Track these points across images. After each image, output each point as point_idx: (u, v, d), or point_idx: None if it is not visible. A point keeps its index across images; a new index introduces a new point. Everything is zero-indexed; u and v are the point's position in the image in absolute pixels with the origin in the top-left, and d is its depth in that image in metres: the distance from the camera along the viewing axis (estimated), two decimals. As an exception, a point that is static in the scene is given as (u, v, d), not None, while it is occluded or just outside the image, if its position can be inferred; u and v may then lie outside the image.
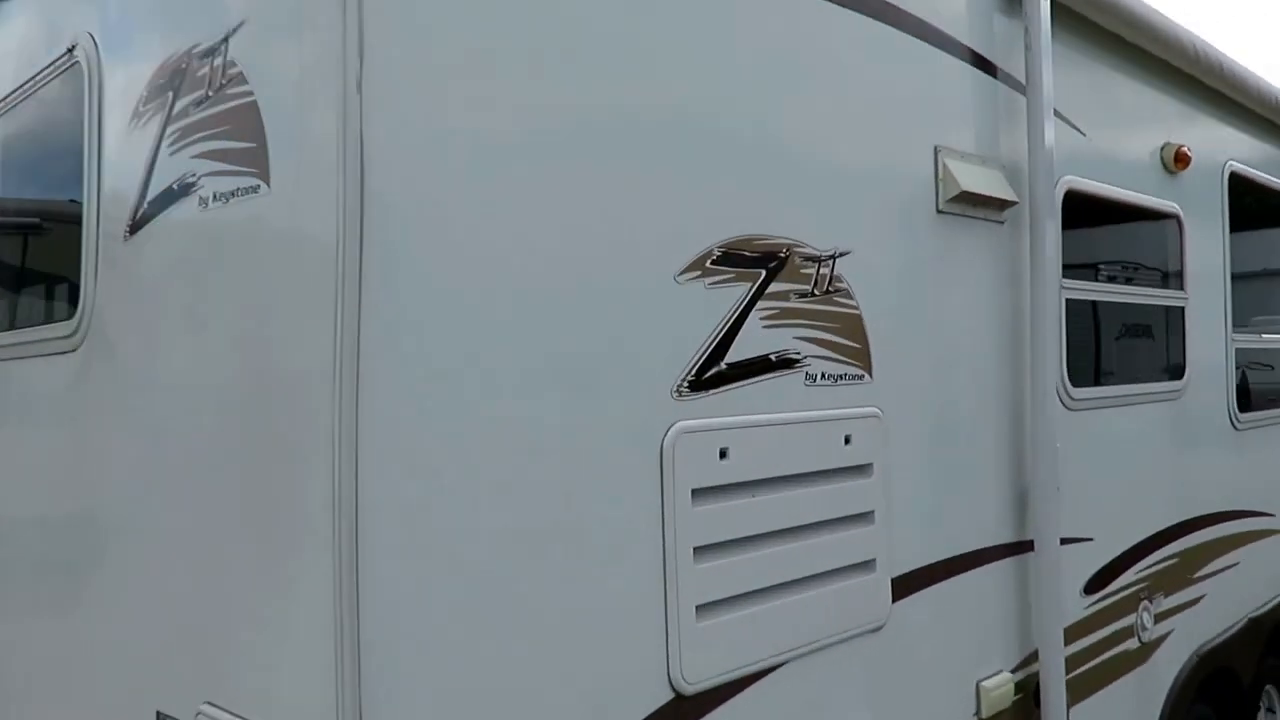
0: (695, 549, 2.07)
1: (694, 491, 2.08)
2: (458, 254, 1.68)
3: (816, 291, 2.39)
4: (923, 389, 2.73)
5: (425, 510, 1.62)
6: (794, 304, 2.32)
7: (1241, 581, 4.51)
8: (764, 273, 2.25)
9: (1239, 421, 4.45)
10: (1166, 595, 3.92)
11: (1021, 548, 3.07)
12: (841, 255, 2.45)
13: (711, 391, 2.13)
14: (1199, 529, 4.16)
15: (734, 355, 2.18)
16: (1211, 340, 4.27)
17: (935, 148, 2.76)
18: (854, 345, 2.49)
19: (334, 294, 1.54)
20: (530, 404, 1.78)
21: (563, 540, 1.84)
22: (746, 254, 2.21)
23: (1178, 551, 3.99)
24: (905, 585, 2.61)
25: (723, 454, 2.14)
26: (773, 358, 2.28)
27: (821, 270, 2.40)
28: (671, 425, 2.04)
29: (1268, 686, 5.06)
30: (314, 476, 1.59)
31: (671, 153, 2.07)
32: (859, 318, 2.50)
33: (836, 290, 2.44)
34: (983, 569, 2.90)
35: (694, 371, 2.09)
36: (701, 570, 2.08)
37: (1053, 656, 3.05)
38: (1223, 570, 4.33)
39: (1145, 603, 3.76)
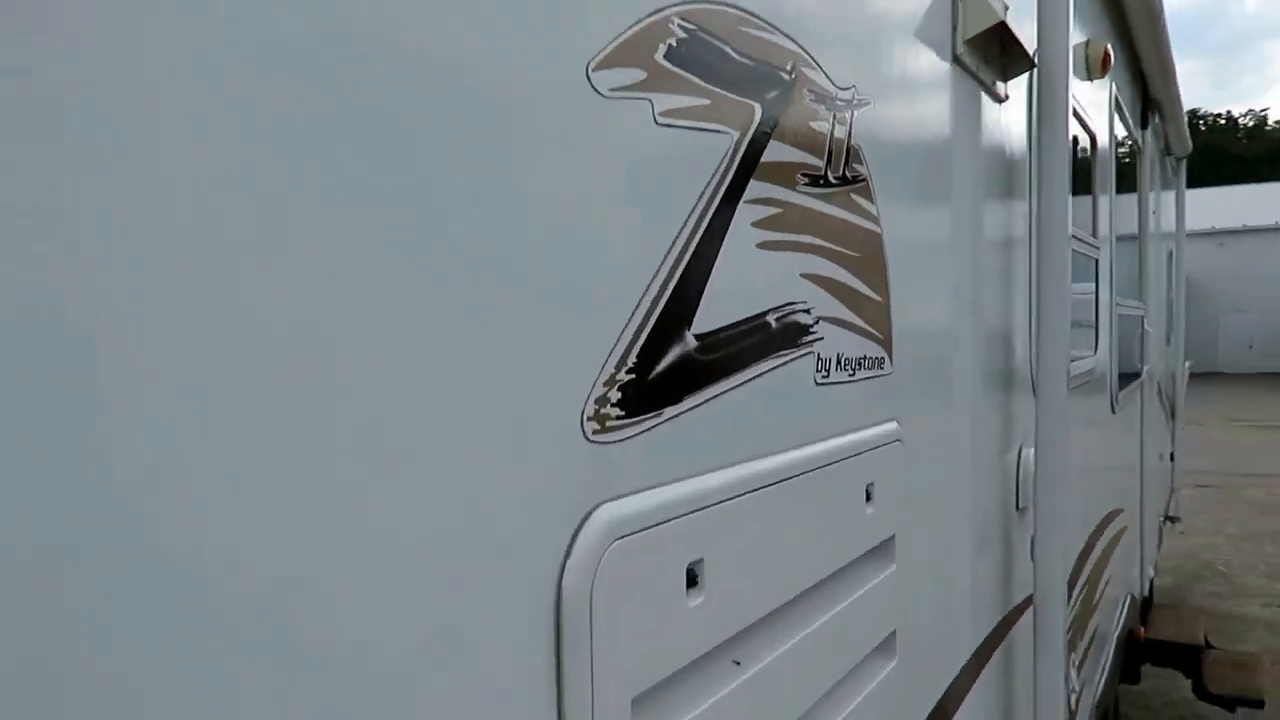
0: None
1: (637, 703, 0.74)
2: None
3: (832, 175, 1.11)
4: (936, 378, 1.54)
5: None
6: (801, 199, 1.04)
7: (1113, 601, 3.84)
8: (757, 111, 0.94)
9: (1117, 403, 3.73)
10: (1080, 638, 3.08)
11: (1008, 622, 2.00)
12: (860, 105, 1.19)
13: (667, 411, 0.80)
14: (1096, 544, 3.38)
15: (709, 312, 0.85)
16: (1107, 303, 3.49)
17: (952, -58, 1.56)
18: (875, 299, 1.25)
19: None
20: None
21: None
22: (732, 54, 0.89)
23: (1087, 578, 3.17)
24: (918, 751, 1.43)
25: (692, 579, 0.81)
26: (773, 321, 0.98)
27: (838, 131, 1.13)
28: (588, 514, 0.70)
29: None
30: None
31: None
32: (879, 241, 1.26)
33: (854, 180, 1.18)
34: (981, 679, 1.79)
35: (633, 359, 0.75)
36: None
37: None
38: (1105, 590, 3.60)
39: (1073, 655, 2.87)
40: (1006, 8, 1.88)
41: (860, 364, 1.20)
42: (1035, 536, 1.96)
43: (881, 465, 1.24)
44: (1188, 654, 4.96)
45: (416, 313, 0.56)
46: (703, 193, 0.85)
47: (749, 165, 0.92)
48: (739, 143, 0.90)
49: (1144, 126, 4.69)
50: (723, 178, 0.88)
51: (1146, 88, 4.72)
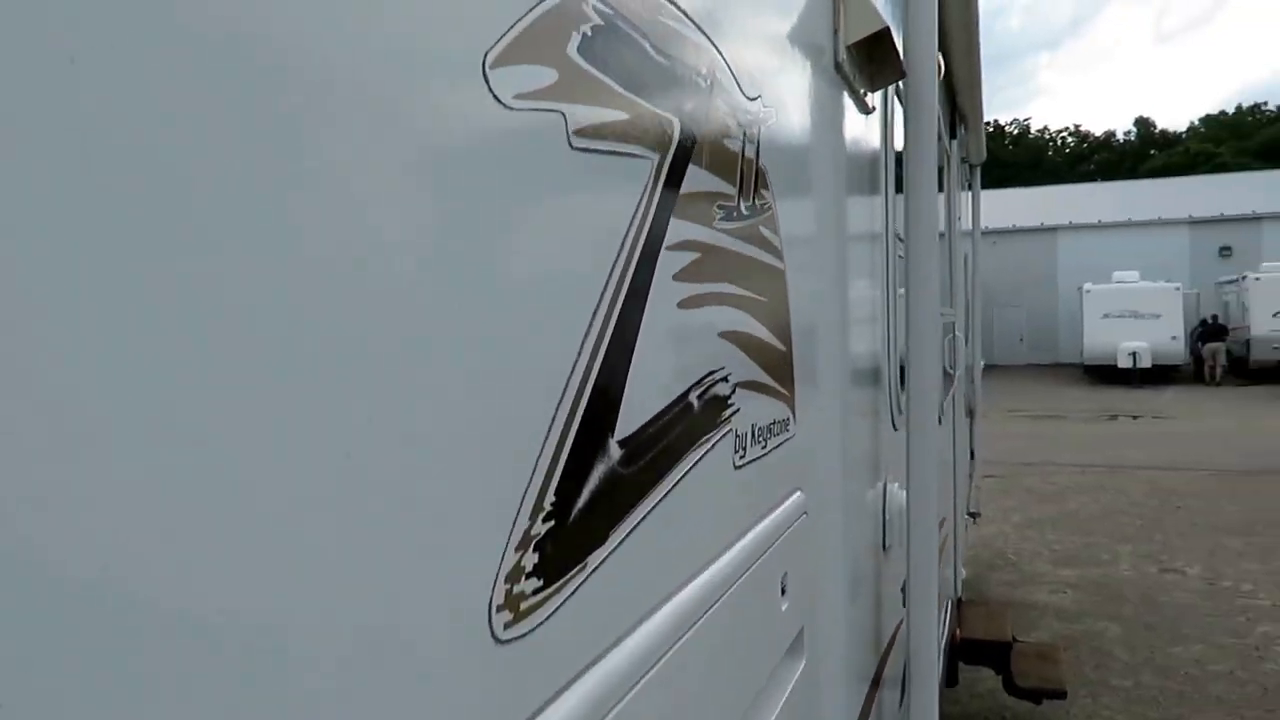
0: None
1: None
2: None
3: (744, 205, 0.91)
4: (827, 429, 1.37)
5: None
6: (718, 238, 0.83)
7: (940, 609, 3.85)
8: (676, 127, 0.72)
9: (943, 412, 3.75)
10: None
11: (879, 669, 1.88)
12: (765, 120, 1.00)
13: (592, 559, 0.56)
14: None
15: (633, 406, 0.63)
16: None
17: (832, -66, 1.40)
18: (780, 349, 1.06)
19: None
20: None
21: None
22: (651, 51, 0.66)
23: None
24: None
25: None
26: (695, 401, 0.76)
27: (747, 151, 0.93)
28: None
29: None
30: None
31: None
32: (783, 279, 1.07)
33: (763, 209, 0.98)
34: (862, 743, 1.64)
35: (550, 499, 0.51)
36: None
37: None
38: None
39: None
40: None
41: (771, 431, 1.00)
42: (909, 580, 1.85)
43: (793, 549, 1.05)
44: (997, 650, 5.14)
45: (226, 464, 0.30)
46: (624, 241, 0.62)
47: (669, 200, 0.70)
48: (659, 170, 0.68)
49: (953, 136, 4.79)
50: (644, 218, 0.65)
51: (954, 98, 4.83)
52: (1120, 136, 73.15)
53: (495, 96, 0.46)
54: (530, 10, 0.50)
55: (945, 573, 4.44)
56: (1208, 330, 24.76)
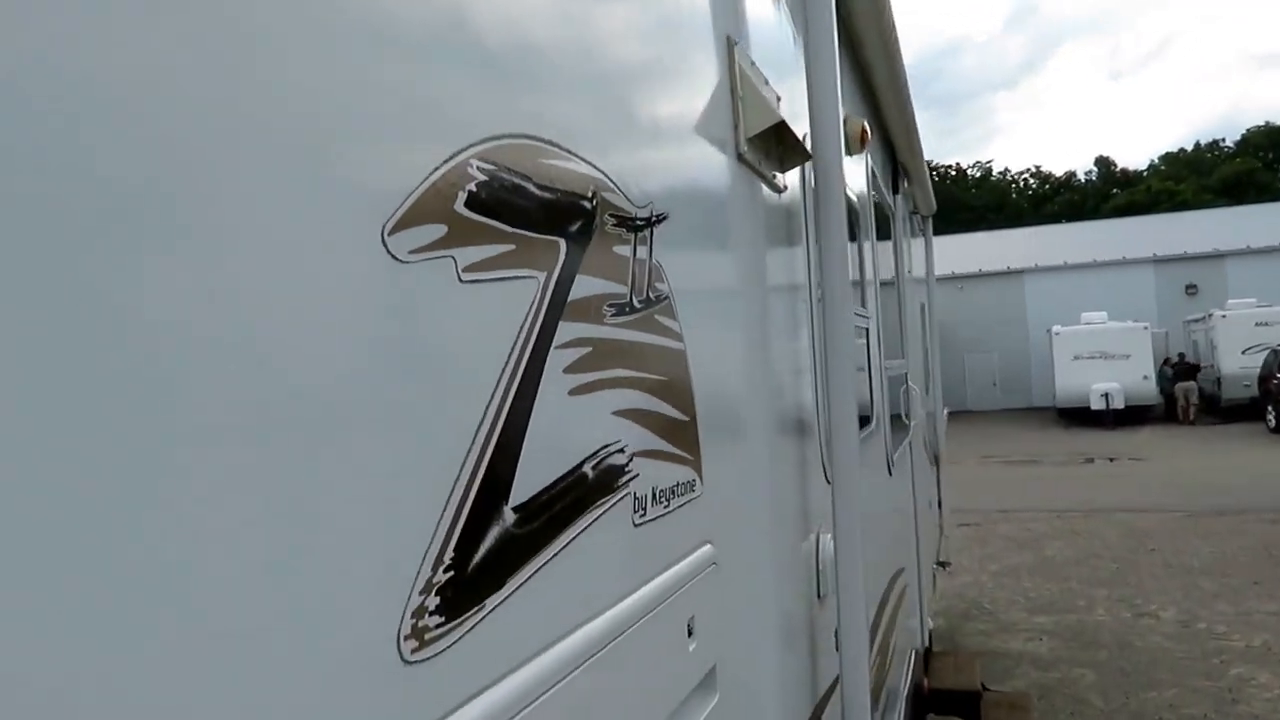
0: None
1: None
2: None
3: (636, 300, 1.09)
4: (741, 487, 1.54)
5: None
6: (608, 331, 1.01)
7: (901, 660, 4.00)
8: (563, 247, 0.91)
9: (893, 464, 3.95)
10: (875, 709, 3.18)
11: (816, 715, 2.03)
12: (658, 221, 1.18)
13: (490, 601, 0.73)
14: (884, 610, 3.52)
15: (526, 478, 0.80)
16: (878, 368, 3.68)
17: (728, 40, 1.61)
18: (682, 418, 1.23)
19: None
20: None
21: None
22: (534, 190, 0.85)
23: (879, 646, 3.29)
24: None
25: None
26: (589, 471, 0.93)
27: (639, 253, 1.11)
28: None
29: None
30: None
31: None
32: (684, 358, 1.25)
33: (657, 299, 1.16)
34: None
35: (450, 554, 0.68)
36: None
37: None
38: (894, 654, 3.75)
39: (870, 728, 2.96)
40: (779, 99, 1.96)
41: (674, 492, 1.17)
42: (840, 627, 2.01)
43: (700, 595, 1.21)
44: (967, 700, 5.29)
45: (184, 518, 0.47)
46: (513, 348, 0.80)
47: (558, 307, 0.88)
48: (546, 284, 0.86)
49: (895, 191, 5.05)
50: (532, 326, 0.83)
51: (895, 155, 5.10)
52: (1081, 176, 75.12)
53: (391, 255, 0.64)
54: (419, 184, 0.68)
55: (909, 623, 4.60)
56: (1179, 369, 25.29)
